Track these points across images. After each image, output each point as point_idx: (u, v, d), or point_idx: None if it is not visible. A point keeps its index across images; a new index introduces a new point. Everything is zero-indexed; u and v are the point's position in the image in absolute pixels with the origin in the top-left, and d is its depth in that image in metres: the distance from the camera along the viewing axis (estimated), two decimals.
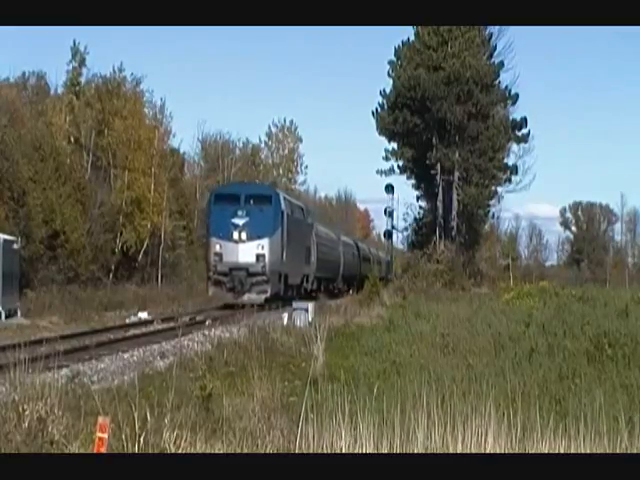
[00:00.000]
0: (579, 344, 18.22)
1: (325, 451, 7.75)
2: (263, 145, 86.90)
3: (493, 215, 72.44)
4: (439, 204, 60.90)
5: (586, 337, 18.91)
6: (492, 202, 66.60)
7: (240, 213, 33.96)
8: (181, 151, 64.90)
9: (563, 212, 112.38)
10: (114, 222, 47.08)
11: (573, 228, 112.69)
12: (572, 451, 7.85)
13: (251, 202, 34.56)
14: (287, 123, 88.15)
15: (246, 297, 32.57)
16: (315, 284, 43.55)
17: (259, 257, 33.42)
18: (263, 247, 33.58)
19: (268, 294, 33.25)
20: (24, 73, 56.26)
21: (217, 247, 33.69)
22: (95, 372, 15.08)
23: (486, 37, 62.18)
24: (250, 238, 33.54)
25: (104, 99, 52.01)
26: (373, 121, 61.90)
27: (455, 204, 60.18)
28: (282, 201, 36.33)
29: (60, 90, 54.65)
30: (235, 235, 33.65)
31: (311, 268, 42.46)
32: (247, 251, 33.46)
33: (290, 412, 10.24)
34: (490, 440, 7.94)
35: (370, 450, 7.71)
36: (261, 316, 24.71)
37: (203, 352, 16.35)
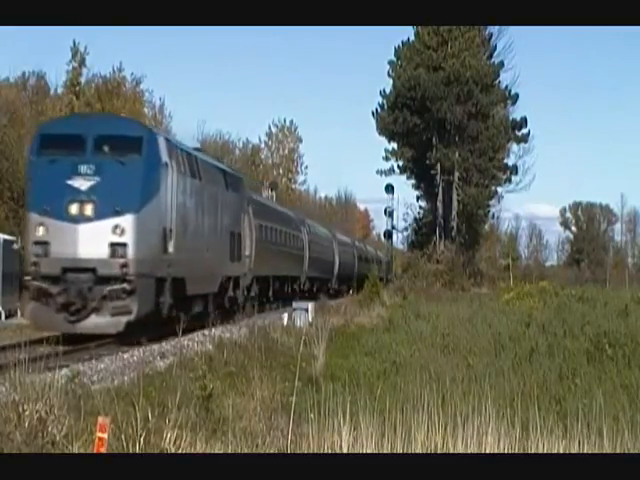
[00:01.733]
0: (579, 344, 18.24)
1: (326, 451, 7.75)
2: (263, 145, 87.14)
3: (493, 215, 72.66)
4: (439, 204, 60.95)
5: (586, 337, 18.92)
6: (492, 202, 66.82)
7: (84, 169, 19.13)
8: None
9: (563, 212, 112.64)
10: None
11: (573, 228, 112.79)
12: (572, 451, 7.85)
13: (105, 150, 19.49)
14: (287, 123, 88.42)
15: (91, 321, 18.63)
16: (256, 288, 30.57)
17: (116, 248, 18.97)
18: (124, 230, 18.98)
19: (132, 316, 18.79)
20: (24, 73, 56.31)
21: (40, 231, 19.09)
22: (95, 372, 15.07)
23: (486, 37, 62.30)
24: (100, 214, 18.96)
25: (104, 99, 52.04)
26: (373, 121, 62.06)
27: (455, 204, 60.21)
28: (163, 149, 20.40)
29: (60, 90, 54.71)
30: (73, 209, 19.01)
31: (243, 266, 28.49)
32: (94, 238, 18.88)
33: (290, 412, 10.24)
34: (490, 440, 7.94)
35: (371, 450, 7.71)
36: (261, 316, 24.70)
37: (203, 352, 16.34)
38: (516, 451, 7.85)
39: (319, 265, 44.55)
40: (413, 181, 65.06)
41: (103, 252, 18.95)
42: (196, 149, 26.53)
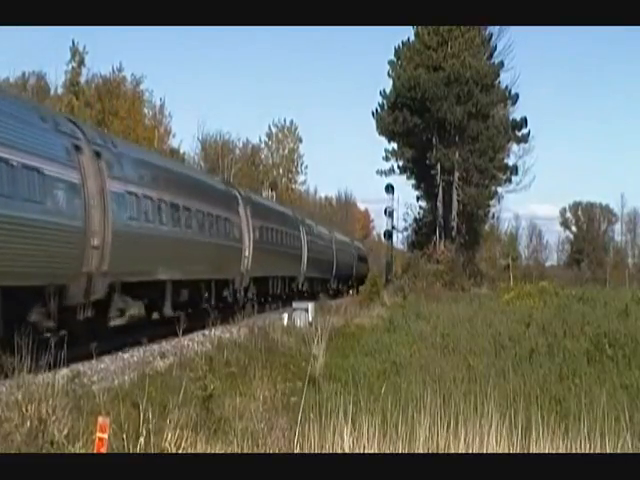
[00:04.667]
0: (579, 344, 18.22)
1: (327, 451, 7.74)
2: (263, 145, 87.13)
3: (493, 215, 72.63)
4: (439, 204, 60.91)
5: (586, 337, 18.90)
6: (492, 202, 66.77)
7: None
8: (181, 151, 65.04)
9: (563, 212, 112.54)
10: None
11: (573, 228, 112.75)
12: (573, 451, 7.84)
13: None
14: (287, 123, 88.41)
15: None
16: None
17: None
18: None
19: None
20: (24, 73, 56.40)
21: None
22: (95, 372, 15.05)
23: (486, 37, 62.25)
24: None
25: (104, 99, 52.05)
26: (373, 121, 62.02)
27: (455, 204, 60.19)
28: None
29: (60, 90, 54.73)
30: None
31: None
32: None
33: (291, 412, 10.23)
34: (492, 440, 7.93)
35: (373, 450, 7.70)
36: (261, 316, 24.67)
37: (203, 352, 16.32)
38: (517, 451, 7.84)
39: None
40: (413, 181, 65.09)
41: None
42: None
